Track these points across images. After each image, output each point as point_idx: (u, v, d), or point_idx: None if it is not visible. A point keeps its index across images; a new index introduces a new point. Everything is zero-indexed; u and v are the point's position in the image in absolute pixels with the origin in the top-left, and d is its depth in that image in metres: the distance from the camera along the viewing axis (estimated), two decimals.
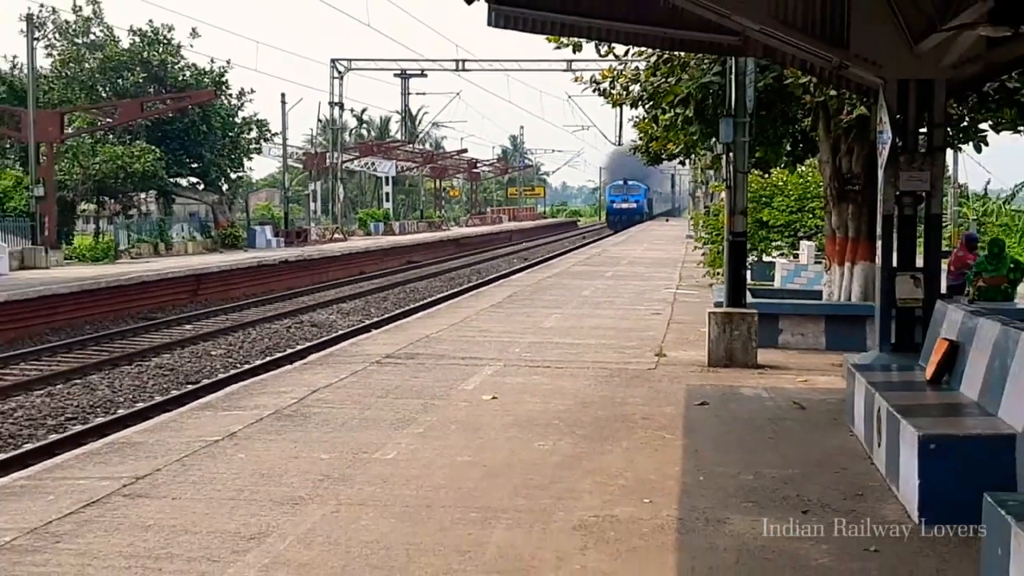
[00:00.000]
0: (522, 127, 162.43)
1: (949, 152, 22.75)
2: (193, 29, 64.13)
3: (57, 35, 51.61)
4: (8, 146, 45.06)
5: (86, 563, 6.85)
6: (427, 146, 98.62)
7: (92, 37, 51.71)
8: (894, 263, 12.30)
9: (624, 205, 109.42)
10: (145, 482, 8.84)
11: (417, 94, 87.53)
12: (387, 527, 7.63)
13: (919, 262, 12.50)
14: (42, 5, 48.70)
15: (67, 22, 51.37)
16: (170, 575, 6.63)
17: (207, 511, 8.02)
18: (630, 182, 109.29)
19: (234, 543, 7.25)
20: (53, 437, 14.99)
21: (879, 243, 12.61)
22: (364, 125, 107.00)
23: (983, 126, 18.93)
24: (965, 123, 18.71)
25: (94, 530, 7.57)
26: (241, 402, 12.52)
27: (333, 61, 66.26)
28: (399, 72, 78.69)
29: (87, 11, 51.40)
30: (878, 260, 12.83)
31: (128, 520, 7.79)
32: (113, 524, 7.70)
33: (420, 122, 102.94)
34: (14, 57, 49.48)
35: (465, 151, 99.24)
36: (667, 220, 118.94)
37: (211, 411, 12.09)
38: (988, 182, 54.19)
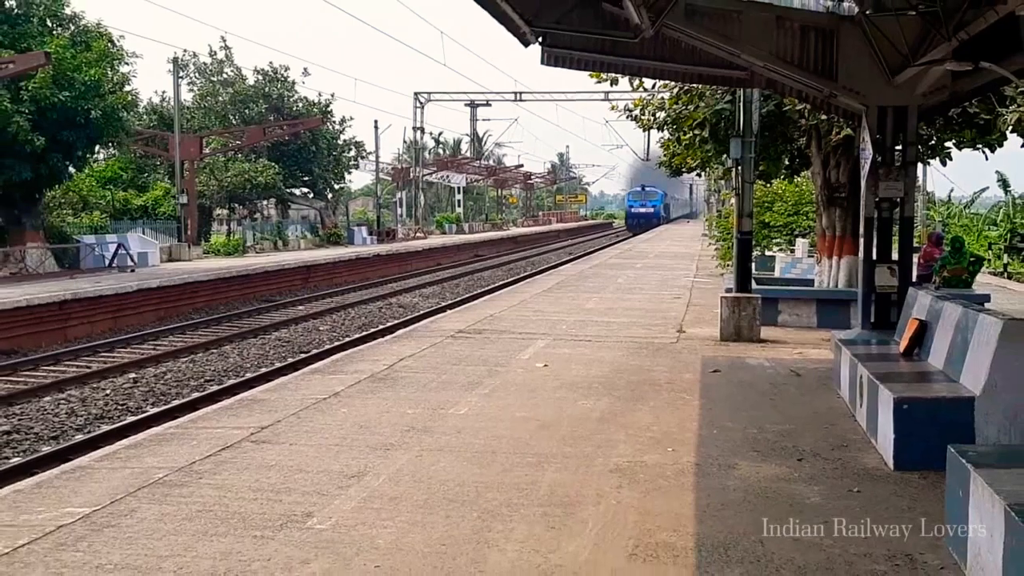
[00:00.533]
0: (567, 146, 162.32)
1: (920, 165, 22.49)
2: (304, 68, 65.05)
3: (197, 74, 52.41)
4: (159, 163, 45.62)
5: (222, 495, 6.95)
6: (491, 162, 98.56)
7: (224, 76, 52.43)
8: (874, 256, 12.21)
9: (642, 209, 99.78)
10: (268, 431, 8.95)
11: (483, 120, 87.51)
12: (460, 469, 7.68)
13: (895, 256, 12.43)
14: (185, 50, 49.47)
15: (205, 64, 52.25)
16: (288, 505, 6.71)
17: (317, 454, 8.10)
18: (648, 188, 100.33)
19: (338, 480, 7.33)
20: (195, 395, 15.21)
21: (862, 240, 12.55)
22: (440, 145, 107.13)
23: (948, 144, 18.95)
24: (933, 142, 18.63)
25: (228, 468, 7.68)
26: (343, 368, 12.64)
27: (416, 94, 66.53)
28: (469, 102, 78.74)
29: (221, 55, 52.34)
30: (860, 254, 12.80)
31: (255, 461, 7.90)
32: (243, 464, 7.81)
33: (485, 142, 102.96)
34: (163, 92, 50.08)
35: (521, 166, 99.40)
36: (688, 222, 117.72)
37: (319, 375, 12.22)
38: (951, 190, 53.34)
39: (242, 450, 8.25)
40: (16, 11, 28.85)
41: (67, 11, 30.10)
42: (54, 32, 29.42)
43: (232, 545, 5.91)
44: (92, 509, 6.60)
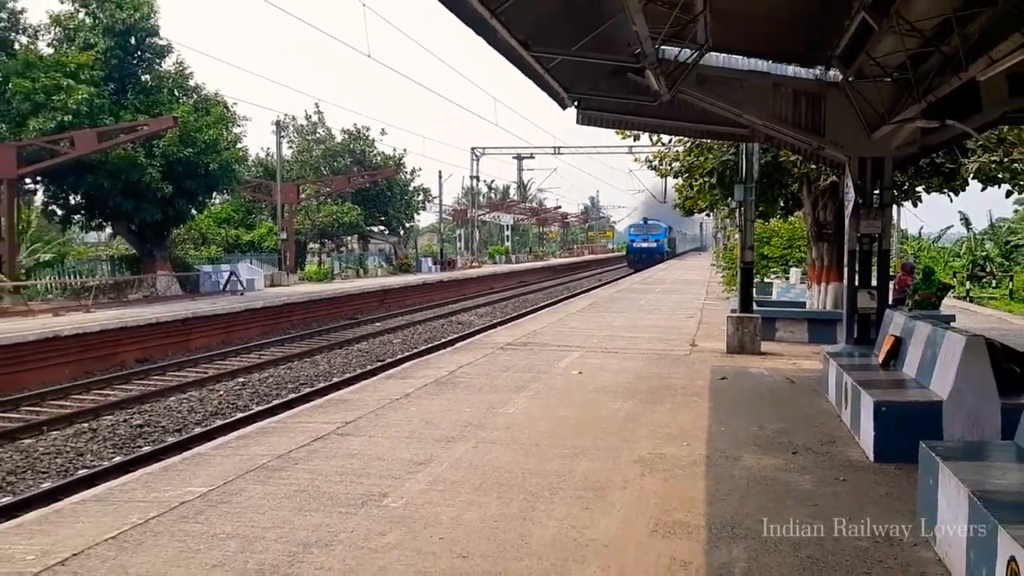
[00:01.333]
0: (597, 191, 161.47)
1: (895, 207, 22.25)
2: (383, 128, 65.92)
3: (295, 134, 53.17)
4: (263, 206, 46.26)
5: (314, 477, 7.02)
6: (534, 204, 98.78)
7: (317, 135, 53.19)
8: (856, 283, 12.10)
9: (644, 244, 76.76)
10: (351, 425, 9.02)
11: (527, 170, 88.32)
12: (509, 458, 7.68)
13: (874, 282, 12.30)
14: (285, 114, 50.23)
15: (302, 125, 53.09)
16: (368, 486, 6.75)
17: (391, 445, 8.15)
18: (650, 221, 78.01)
19: (408, 466, 7.36)
20: (292, 395, 15.35)
21: (846, 269, 12.45)
22: (492, 190, 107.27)
23: (919, 188, 18.88)
24: (906, 186, 18.53)
25: (319, 456, 7.75)
26: (413, 373, 12.71)
27: (472, 149, 66.80)
28: (516, 155, 78.94)
29: (315, 118, 53.28)
30: (845, 281, 12.69)
31: (340, 450, 7.96)
32: (331, 452, 7.88)
33: (529, 188, 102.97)
34: (267, 148, 51.11)
35: (559, 208, 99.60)
36: (699, 254, 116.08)
37: (393, 379, 12.29)
38: (921, 227, 52.68)
39: (330, 441, 8.32)
40: (150, 84, 29.52)
41: (191, 83, 30.73)
42: (180, 100, 30.03)
43: (322, 519, 5.96)
44: (208, 488, 6.70)
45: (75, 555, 5.22)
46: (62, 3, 29.14)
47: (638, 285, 38.71)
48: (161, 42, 30.10)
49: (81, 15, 29.06)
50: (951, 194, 18.63)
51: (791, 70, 12.22)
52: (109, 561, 5.14)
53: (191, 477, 7.07)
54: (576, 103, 13.32)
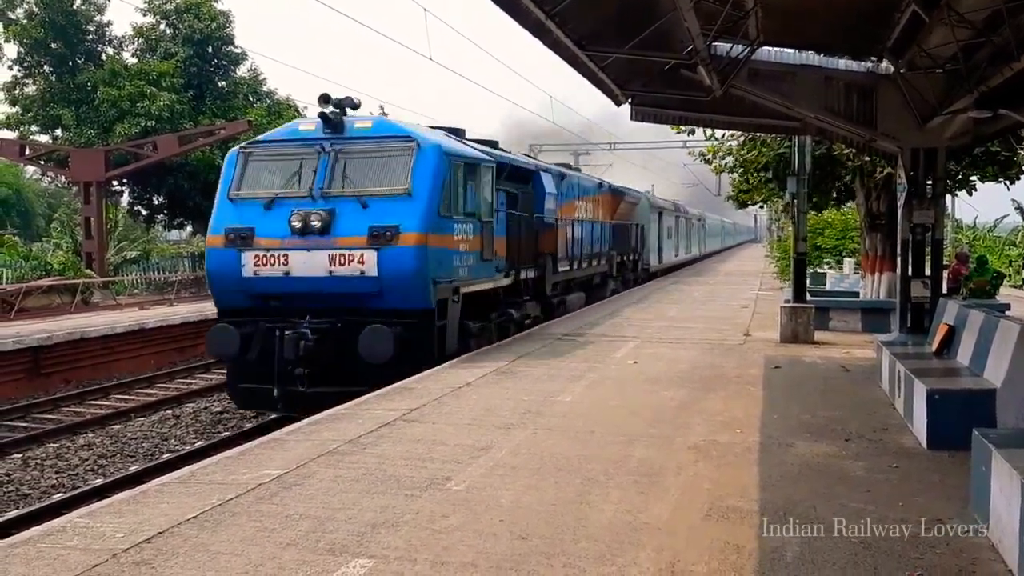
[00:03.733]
0: (652, 185, 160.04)
1: (948, 196, 21.69)
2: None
3: None
4: None
5: (381, 461, 7.11)
6: None
7: None
8: (909, 272, 11.85)
9: None
10: (416, 412, 9.10)
11: (584, 166, 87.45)
12: (566, 445, 7.68)
13: (927, 272, 12.03)
14: None
15: None
16: (432, 470, 6.82)
17: (453, 431, 8.20)
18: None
19: (470, 452, 7.41)
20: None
21: (899, 259, 12.20)
22: None
23: (973, 178, 18.40)
24: (960, 176, 18.05)
25: (385, 441, 7.84)
26: (474, 363, 12.69)
27: (531, 146, 66.75)
28: (573, 152, 78.81)
29: None
30: (898, 271, 12.44)
31: (406, 436, 8.04)
32: (396, 438, 7.96)
33: None
34: None
35: None
36: (753, 245, 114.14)
37: (456, 369, 12.27)
38: (976, 217, 51.08)
39: (396, 427, 8.41)
40: (226, 90, 30.22)
41: (264, 88, 31.37)
42: (254, 104, 30.66)
43: (389, 501, 6.05)
44: (283, 471, 6.83)
45: (160, 533, 5.39)
46: (144, 16, 29.99)
47: (690, 276, 38.31)
48: (236, 50, 30.78)
49: (162, 26, 29.86)
50: (1006, 183, 18.12)
51: (842, 63, 11.99)
52: (191, 539, 5.30)
53: (267, 461, 7.21)
54: (630, 100, 13.24)
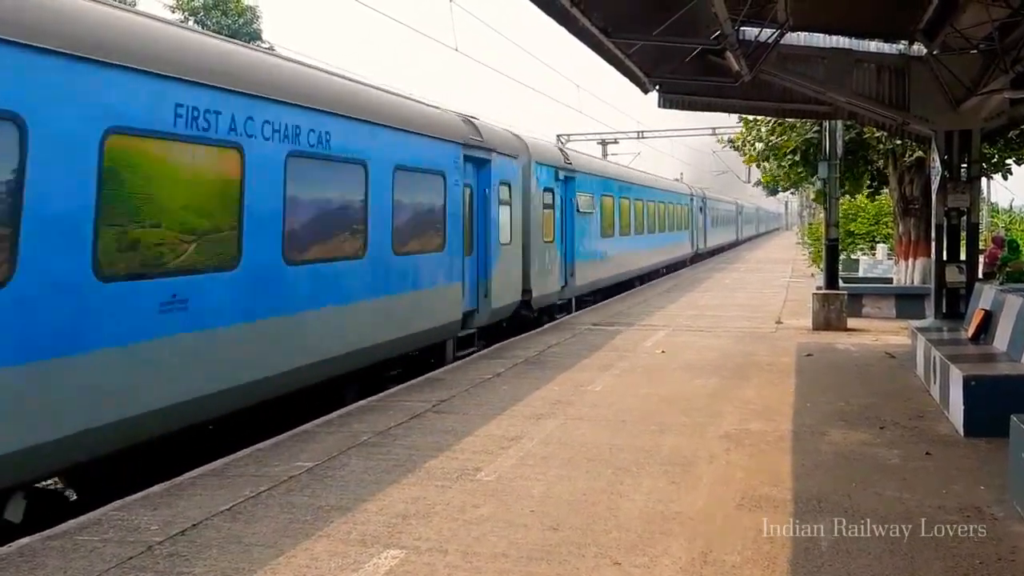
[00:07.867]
0: (681, 173, 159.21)
1: (983, 179, 21.31)
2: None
3: None
4: None
5: (412, 452, 7.13)
6: None
7: None
8: (944, 257, 11.66)
9: None
10: (445, 403, 9.11)
11: (612, 155, 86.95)
12: (597, 434, 7.66)
13: (962, 256, 11.83)
14: None
15: None
16: (462, 461, 6.82)
17: (483, 422, 8.20)
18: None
19: (500, 442, 7.41)
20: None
21: (933, 244, 12.02)
22: None
23: (1008, 161, 18.04)
24: (995, 159, 17.73)
25: (415, 432, 7.86)
26: (503, 353, 12.72)
27: (558, 136, 66.47)
28: (600, 141, 78.40)
29: None
30: (933, 255, 12.25)
31: (436, 427, 8.05)
32: (427, 429, 7.98)
33: None
34: None
35: None
36: (783, 232, 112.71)
37: (485, 360, 12.31)
38: (1012, 200, 50.21)
39: (426, 418, 8.43)
40: None
41: None
42: None
43: (420, 492, 6.06)
44: (314, 463, 6.87)
45: (194, 526, 5.44)
46: (173, 12, 30.23)
47: (720, 263, 37.98)
48: (264, 45, 30.87)
49: (190, 23, 30.08)
50: None
51: (873, 46, 11.79)
52: (224, 531, 5.35)
53: (298, 452, 7.25)
54: (657, 87, 13.12)
